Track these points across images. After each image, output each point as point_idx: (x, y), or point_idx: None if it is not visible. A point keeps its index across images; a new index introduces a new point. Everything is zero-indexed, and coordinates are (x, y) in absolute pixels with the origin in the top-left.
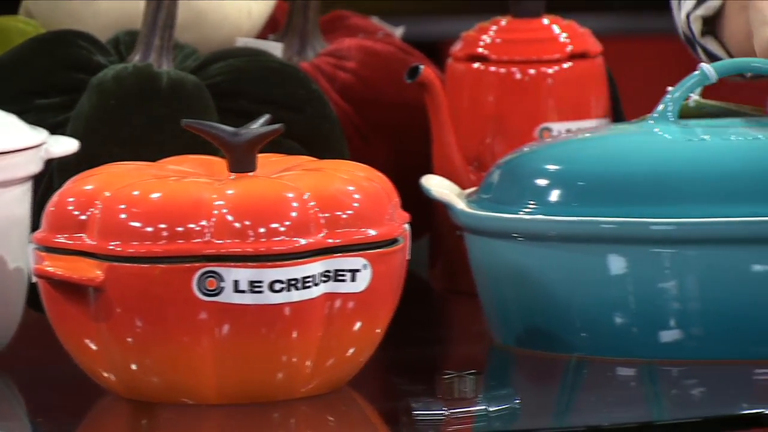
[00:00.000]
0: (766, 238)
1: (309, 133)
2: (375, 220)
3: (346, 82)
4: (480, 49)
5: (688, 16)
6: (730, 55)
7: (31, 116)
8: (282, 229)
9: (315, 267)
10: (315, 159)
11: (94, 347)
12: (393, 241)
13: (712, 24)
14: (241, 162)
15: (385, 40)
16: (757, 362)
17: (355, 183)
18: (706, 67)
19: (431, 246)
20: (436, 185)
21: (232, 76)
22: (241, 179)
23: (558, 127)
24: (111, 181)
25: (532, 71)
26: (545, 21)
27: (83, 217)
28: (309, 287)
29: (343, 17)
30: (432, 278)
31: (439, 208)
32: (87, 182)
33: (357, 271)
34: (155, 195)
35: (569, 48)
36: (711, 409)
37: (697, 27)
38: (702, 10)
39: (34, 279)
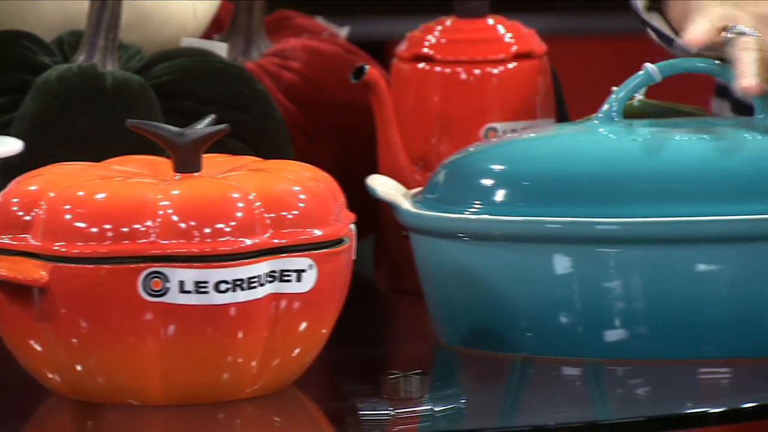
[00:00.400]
0: (710, 237)
1: (254, 134)
2: (320, 220)
3: (291, 82)
4: (425, 50)
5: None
6: (674, 31)
7: None
8: (227, 229)
9: (260, 267)
10: (260, 159)
11: (38, 348)
12: (339, 242)
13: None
14: (187, 162)
15: (330, 41)
16: (702, 361)
17: (300, 183)
18: (650, 67)
19: (377, 246)
20: (382, 185)
21: (177, 77)
22: (187, 179)
23: (503, 127)
24: (56, 181)
25: (477, 71)
26: (490, 21)
27: (28, 218)
28: (254, 287)
29: (287, 17)
30: (377, 278)
31: (385, 208)
32: (31, 183)
33: (303, 271)
34: (100, 195)
35: (514, 48)
36: (655, 408)
37: (642, 2)
38: None
39: None
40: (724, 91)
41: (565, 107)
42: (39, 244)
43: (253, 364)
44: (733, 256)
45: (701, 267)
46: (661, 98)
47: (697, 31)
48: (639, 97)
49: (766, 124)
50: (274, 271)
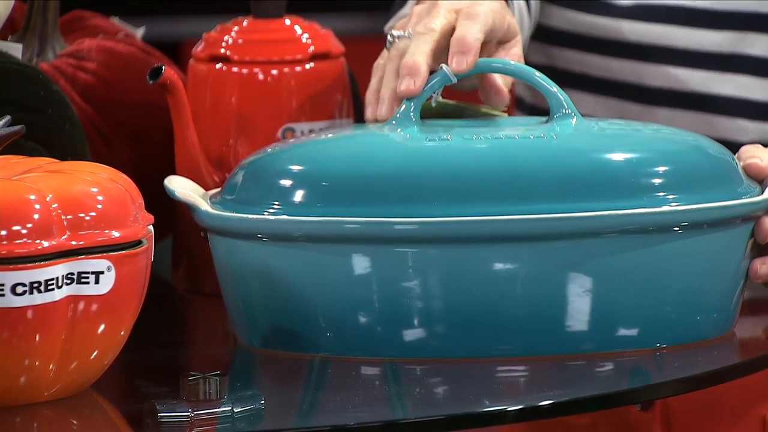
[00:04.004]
0: (506, 236)
1: (50, 135)
2: (118, 221)
3: (86, 83)
4: (222, 50)
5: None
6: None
7: None
8: (24, 231)
9: (58, 269)
10: (56, 161)
11: None
12: (137, 243)
13: None
14: None
15: (126, 41)
16: (499, 360)
17: (98, 184)
18: (446, 67)
19: (174, 247)
20: (180, 186)
21: None
22: None
23: (301, 127)
24: None
25: (274, 72)
26: (287, 22)
27: None
28: (52, 290)
29: (83, 18)
30: (175, 280)
31: (182, 209)
32: None
33: (100, 273)
34: None
35: (311, 49)
36: (454, 406)
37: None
38: (393, 21)
39: None
40: (521, 104)
41: (362, 107)
42: None
43: (51, 367)
44: (528, 255)
45: (497, 266)
46: (458, 99)
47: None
48: (436, 97)
49: (559, 125)
50: (71, 273)
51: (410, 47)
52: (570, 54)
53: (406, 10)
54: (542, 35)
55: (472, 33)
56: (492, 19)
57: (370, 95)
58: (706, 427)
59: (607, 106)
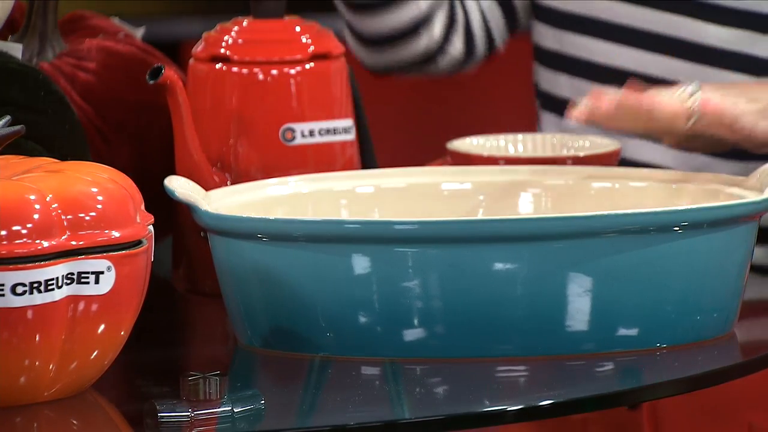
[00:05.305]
0: (505, 236)
1: (50, 135)
2: (118, 221)
3: (86, 82)
4: (222, 50)
5: None
6: None
7: None
8: (24, 231)
9: (58, 269)
10: (56, 161)
11: None
12: (137, 243)
13: None
14: None
15: (126, 41)
16: (499, 360)
17: (98, 184)
18: None
19: (174, 247)
20: (180, 186)
21: None
22: None
23: (301, 127)
24: None
25: (274, 72)
26: (287, 22)
27: None
28: (52, 290)
29: (83, 18)
30: (175, 280)
31: (182, 209)
32: None
33: (100, 273)
34: None
35: (311, 49)
36: (454, 406)
37: None
38: None
39: None
40: (551, 103)
41: (362, 107)
42: None
43: (51, 367)
44: (528, 255)
45: (498, 266)
46: None
47: None
48: None
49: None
50: (71, 273)
51: None
52: (579, 39)
53: None
54: (556, 19)
55: None
56: None
57: None
58: (695, 429)
59: None
